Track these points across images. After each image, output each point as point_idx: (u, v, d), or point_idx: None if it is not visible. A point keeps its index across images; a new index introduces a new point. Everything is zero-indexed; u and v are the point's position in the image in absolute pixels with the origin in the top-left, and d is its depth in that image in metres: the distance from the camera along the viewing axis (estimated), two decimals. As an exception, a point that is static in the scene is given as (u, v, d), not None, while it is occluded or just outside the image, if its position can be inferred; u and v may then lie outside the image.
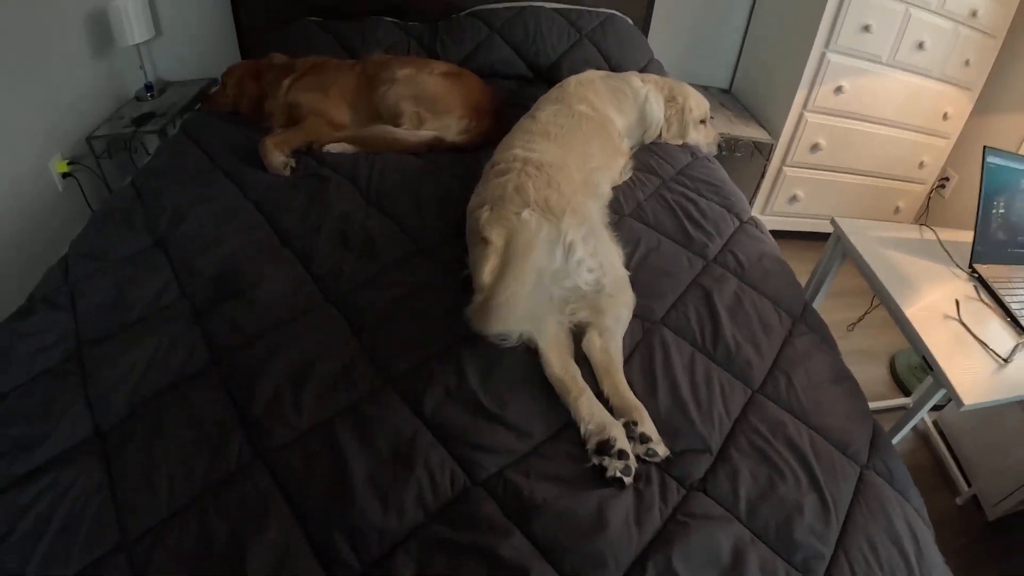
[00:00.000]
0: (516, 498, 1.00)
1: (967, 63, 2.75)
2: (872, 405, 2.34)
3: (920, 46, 2.63)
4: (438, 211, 1.68)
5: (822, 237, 3.08)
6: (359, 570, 0.92)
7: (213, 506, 0.97)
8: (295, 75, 2.11)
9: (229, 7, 2.67)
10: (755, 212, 2.98)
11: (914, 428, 2.35)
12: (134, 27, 2.39)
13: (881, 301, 1.59)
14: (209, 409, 1.12)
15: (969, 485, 2.08)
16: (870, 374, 2.61)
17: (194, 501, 0.99)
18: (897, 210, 3.17)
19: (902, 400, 2.45)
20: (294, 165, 1.88)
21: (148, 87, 2.61)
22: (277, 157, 1.85)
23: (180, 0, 2.66)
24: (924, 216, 3.21)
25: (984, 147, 1.70)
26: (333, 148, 1.97)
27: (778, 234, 3.04)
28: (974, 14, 2.61)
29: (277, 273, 1.44)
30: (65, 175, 2.27)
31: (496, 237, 1.30)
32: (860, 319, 2.60)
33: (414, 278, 1.44)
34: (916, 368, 2.54)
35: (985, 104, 2.92)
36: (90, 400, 1.14)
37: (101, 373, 1.18)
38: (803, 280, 1.69)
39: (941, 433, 2.28)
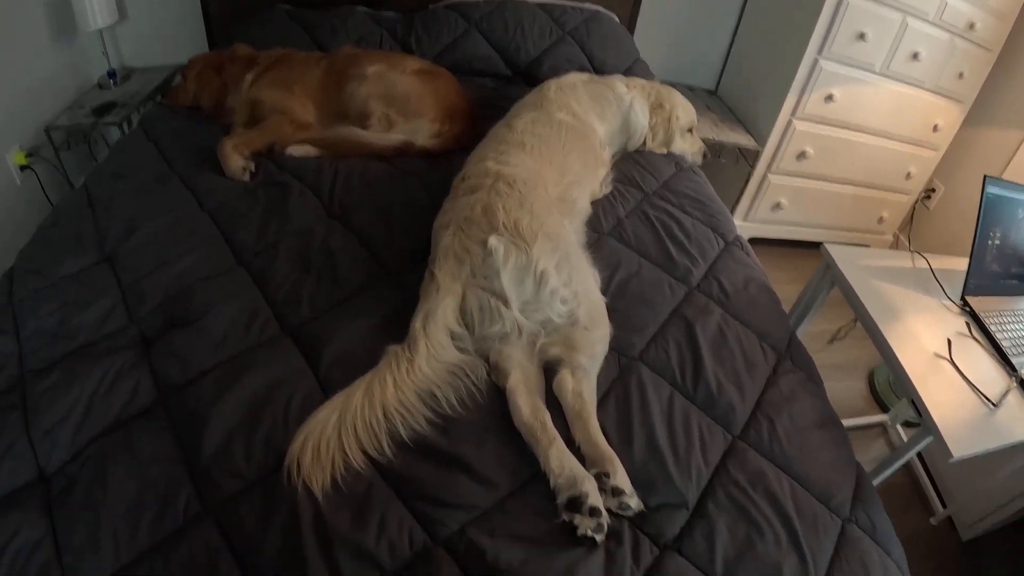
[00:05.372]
0: (479, 561, 0.93)
1: (961, 75, 2.72)
2: (849, 422, 2.35)
3: (915, 56, 2.59)
4: (406, 227, 1.56)
5: (803, 245, 3.08)
6: (311, 641, 0.85)
7: (160, 566, 0.90)
8: (258, 69, 1.99)
9: (197, -11, 2.54)
10: (737, 219, 2.96)
11: (890, 445, 2.33)
12: (97, 11, 2.26)
13: (873, 340, 1.53)
14: (155, 454, 1.02)
15: (944, 506, 2.07)
16: (848, 388, 2.59)
17: (139, 560, 0.91)
18: (881, 220, 3.16)
19: (879, 417, 2.44)
20: (253, 170, 1.75)
21: (111, 74, 2.49)
22: (236, 161, 1.73)
23: (146, -18, 2.53)
24: (908, 227, 3.21)
25: (985, 177, 1.65)
26: (295, 151, 1.85)
27: (758, 241, 3.04)
28: (971, 26, 2.56)
29: (230, 297, 1.32)
30: (23, 167, 2.15)
31: (443, 275, 1.22)
32: (841, 335, 2.57)
33: (379, 306, 1.33)
34: (895, 384, 2.52)
35: (976, 117, 2.90)
36: (32, 439, 1.04)
37: (44, 408, 1.08)
38: (780, 292, 1.63)
39: (918, 453, 2.25)
